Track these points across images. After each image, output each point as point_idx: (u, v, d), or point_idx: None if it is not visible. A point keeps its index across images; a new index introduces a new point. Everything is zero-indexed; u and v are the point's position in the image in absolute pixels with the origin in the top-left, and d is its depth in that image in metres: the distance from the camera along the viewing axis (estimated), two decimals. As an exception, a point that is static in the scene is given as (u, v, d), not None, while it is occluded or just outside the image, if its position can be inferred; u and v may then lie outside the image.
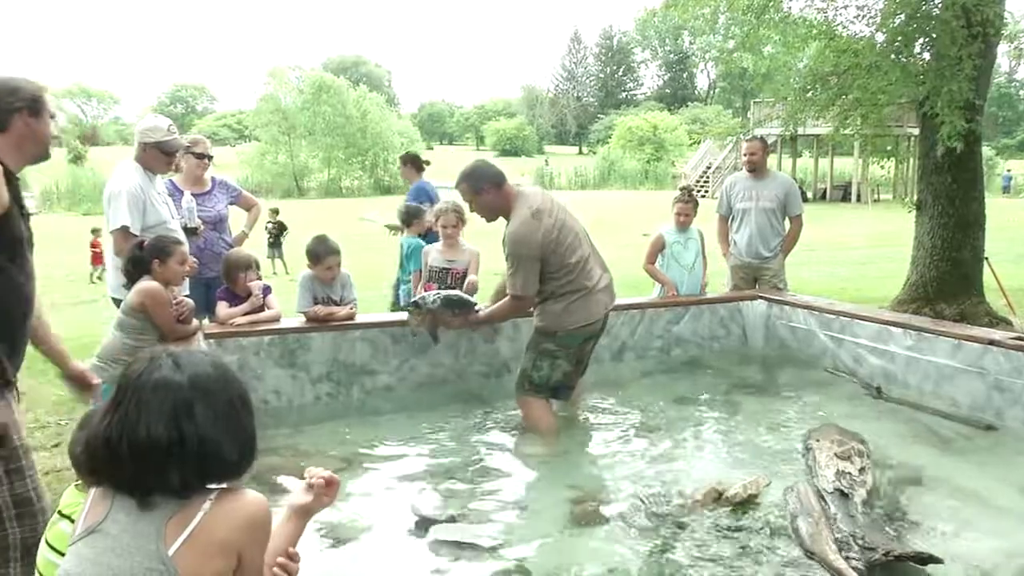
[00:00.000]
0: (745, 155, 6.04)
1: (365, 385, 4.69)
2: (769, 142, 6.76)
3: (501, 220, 4.10)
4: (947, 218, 7.36)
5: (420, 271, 5.10)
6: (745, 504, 3.14)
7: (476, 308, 4.43)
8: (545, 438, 4.08)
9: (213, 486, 1.50)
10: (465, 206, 4.74)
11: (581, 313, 4.00)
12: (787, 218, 6.01)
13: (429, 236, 5.51)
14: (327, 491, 1.82)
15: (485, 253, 5.04)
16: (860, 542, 2.71)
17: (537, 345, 4.09)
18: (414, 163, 6.98)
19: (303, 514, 1.80)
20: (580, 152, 70.93)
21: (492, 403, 4.63)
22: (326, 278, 4.59)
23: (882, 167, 11.31)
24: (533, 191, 4.13)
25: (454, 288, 4.72)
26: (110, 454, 1.46)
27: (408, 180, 6.99)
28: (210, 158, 4.90)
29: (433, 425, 4.29)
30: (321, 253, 4.50)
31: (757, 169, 5.98)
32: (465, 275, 4.84)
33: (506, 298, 4.17)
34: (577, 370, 4.15)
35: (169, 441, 1.43)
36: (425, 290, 4.77)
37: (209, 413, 1.46)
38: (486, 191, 4.02)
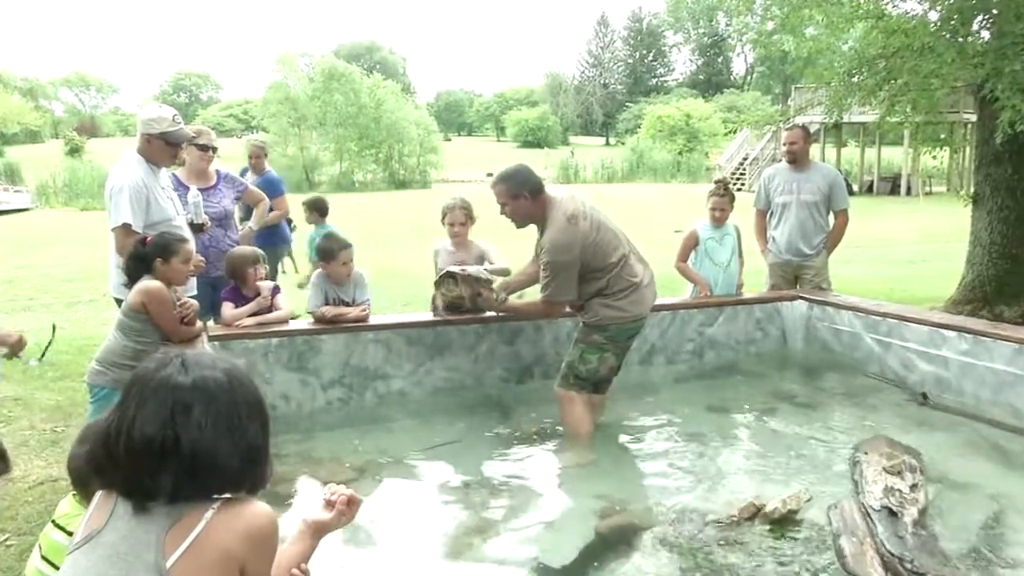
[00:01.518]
0: (785, 144, 5.99)
1: (378, 390, 4.72)
2: (811, 131, 6.68)
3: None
4: (1007, 212, 7.25)
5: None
6: (784, 521, 3.12)
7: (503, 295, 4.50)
8: (579, 443, 4.16)
9: (217, 496, 1.52)
10: (471, 206, 4.90)
11: (632, 308, 4.17)
12: (831, 212, 5.96)
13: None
14: (347, 510, 1.83)
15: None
16: (909, 565, 2.68)
17: (586, 337, 4.21)
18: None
19: (318, 531, 1.81)
20: (607, 143, 70.75)
21: (513, 409, 4.64)
22: (341, 275, 4.61)
23: (935, 157, 11.13)
24: (564, 196, 4.24)
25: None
26: (107, 452, 1.50)
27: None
28: (214, 150, 4.95)
29: (451, 432, 4.31)
30: (334, 248, 4.53)
31: (798, 160, 5.93)
32: None
33: (539, 299, 4.31)
34: (619, 366, 4.31)
35: (162, 442, 1.45)
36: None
37: (208, 417, 1.48)
38: (524, 198, 4.13)
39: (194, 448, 1.46)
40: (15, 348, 3.46)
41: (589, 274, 4.13)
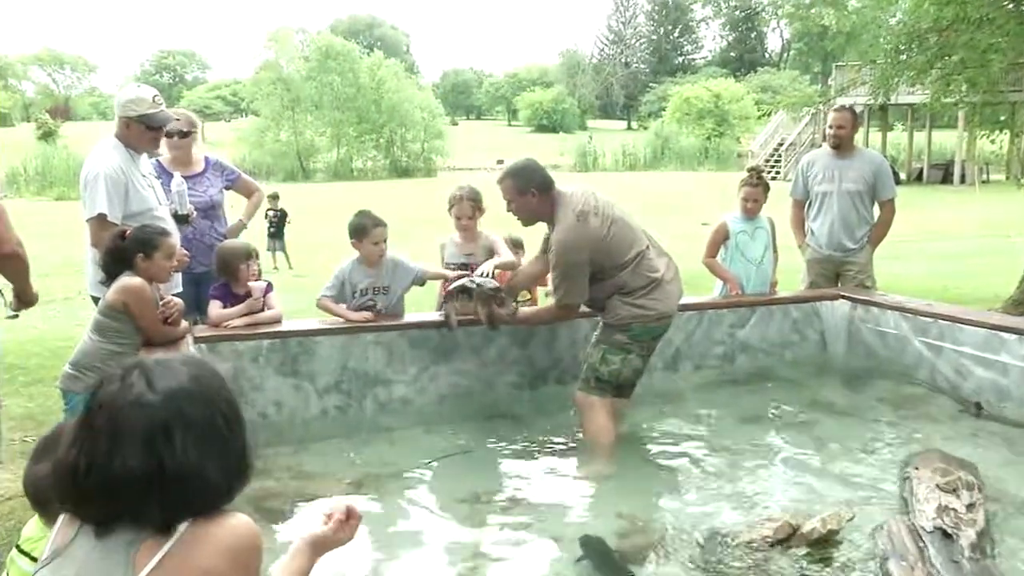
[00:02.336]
0: (831, 128, 5.93)
1: (379, 396, 4.73)
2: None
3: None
4: (1073, 202, 7.18)
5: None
6: (823, 543, 3.10)
7: (515, 304, 4.54)
8: (599, 454, 4.19)
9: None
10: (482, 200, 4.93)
11: (655, 304, 4.21)
12: (876, 203, 5.92)
13: None
14: (347, 525, 1.83)
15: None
16: (964, 591, 2.66)
17: (608, 337, 4.25)
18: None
19: (316, 548, 1.81)
20: (629, 127, 70.62)
21: (526, 417, 4.64)
22: (373, 256, 4.61)
23: (993, 141, 11.05)
24: (574, 191, 4.29)
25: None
26: (77, 489, 1.46)
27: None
28: (187, 134, 4.92)
29: (457, 443, 4.32)
30: (367, 225, 4.54)
31: (843, 145, 5.89)
32: None
33: (550, 304, 4.42)
34: (643, 368, 4.35)
35: (145, 474, 1.43)
36: (444, 293, 4.83)
37: (189, 437, 1.45)
38: (532, 194, 4.20)
39: (181, 473, 1.44)
40: None
41: (606, 272, 4.18)
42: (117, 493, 1.43)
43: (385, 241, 4.62)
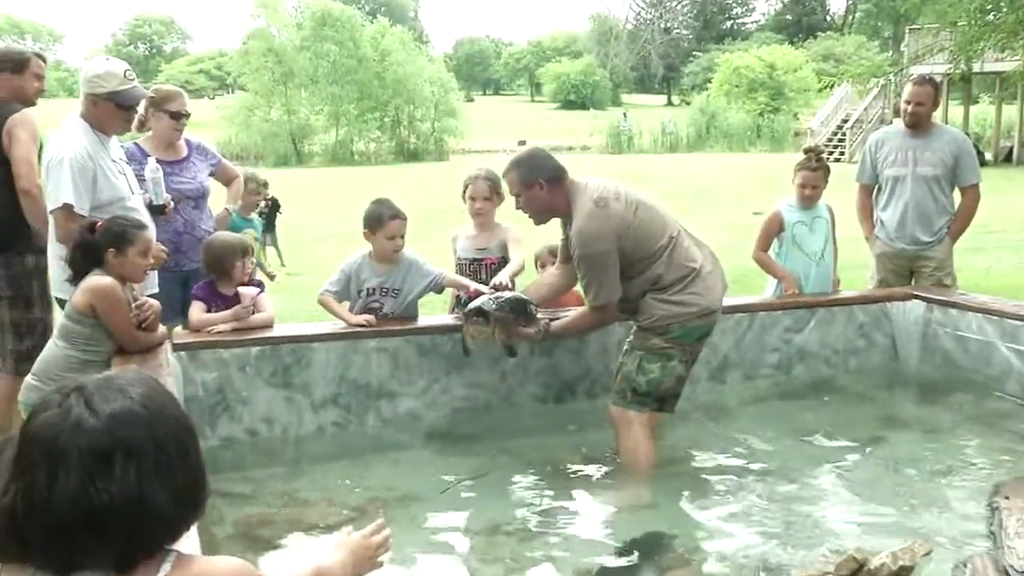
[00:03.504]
0: (908, 103, 5.86)
1: (383, 411, 4.74)
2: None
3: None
4: None
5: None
6: (896, 580, 3.07)
7: (540, 318, 4.49)
8: (637, 477, 4.19)
9: (168, 548, 1.52)
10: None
11: (696, 300, 4.18)
12: (956, 189, 5.88)
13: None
14: (374, 550, 1.84)
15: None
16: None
17: (644, 342, 4.24)
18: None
19: None
20: (669, 102, 70.55)
21: (551, 436, 4.65)
22: (386, 252, 4.64)
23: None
24: (589, 180, 4.32)
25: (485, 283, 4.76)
26: (16, 536, 1.46)
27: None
28: (187, 116, 5.00)
29: (473, 465, 4.32)
30: (384, 215, 4.57)
31: (920, 123, 5.84)
32: (504, 264, 4.88)
33: (582, 309, 4.42)
34: (687, 376, 4.34)
35: (92, 508, 1.42)
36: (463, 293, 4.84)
37: (134, 464, 1.45)
38: (540, 186, 4.21)
39: (128, 504, 1.44)
40: None
41: (635, 265, 4.18)
42: (63, 533, 1.43)
43: (403, 236, 4.64)
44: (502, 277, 4.58)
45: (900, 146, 5.88)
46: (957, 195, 5.91)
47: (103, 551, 1.45)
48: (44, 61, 4.97)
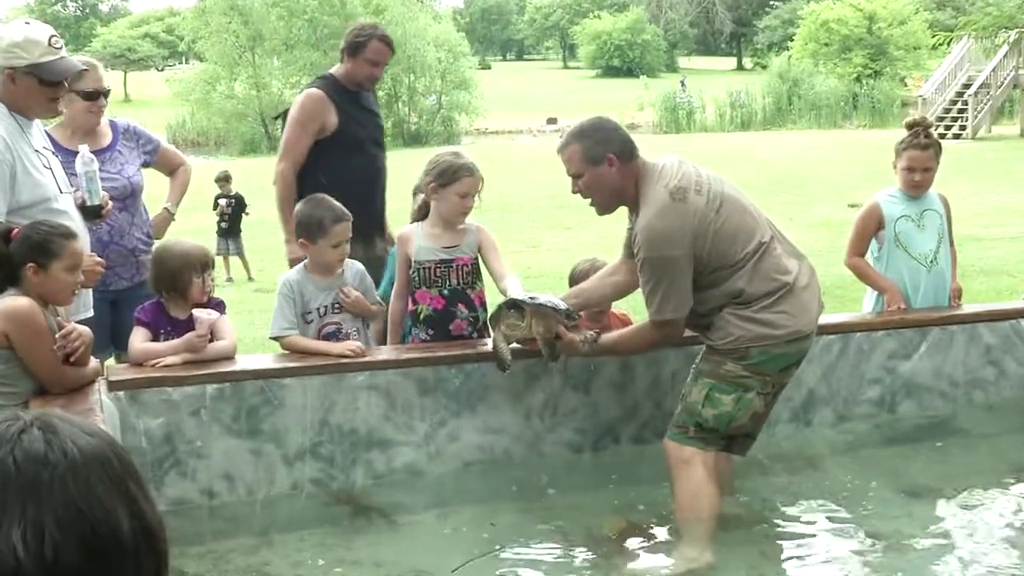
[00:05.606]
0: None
1: (375, 465, 4.74)
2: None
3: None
4: None
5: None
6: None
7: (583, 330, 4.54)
8: (696, 530, 4.19)
9: None
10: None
11: (786, 320, 4.18)
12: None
13: None
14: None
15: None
16: None
17: (716, 368, 4.24)
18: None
19: None
20: (739, 67, 70.51)
21: (587, 493, 4.68)
22: (331, 263, 4.68)
23: None
24: (666, 162, 4.30)
25: (463, 290, 4.85)
26: None
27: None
28: (106, 94, 5.03)
29: (488, 536, 4.31)
30: (324, 219, 4.60)
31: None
32: (477, 268, 4.90)
33: (643, 322, 4.40)
34: (767, 413, 4.35)
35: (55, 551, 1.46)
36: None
37: (109, 494, 1.49)
38: (609, 162, 4.21)
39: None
40: None
41: (711, 275, 4.19)
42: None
43: (348, 241, 4.67)
44: (517, 293, 4.58)
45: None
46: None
47: None
48: None
